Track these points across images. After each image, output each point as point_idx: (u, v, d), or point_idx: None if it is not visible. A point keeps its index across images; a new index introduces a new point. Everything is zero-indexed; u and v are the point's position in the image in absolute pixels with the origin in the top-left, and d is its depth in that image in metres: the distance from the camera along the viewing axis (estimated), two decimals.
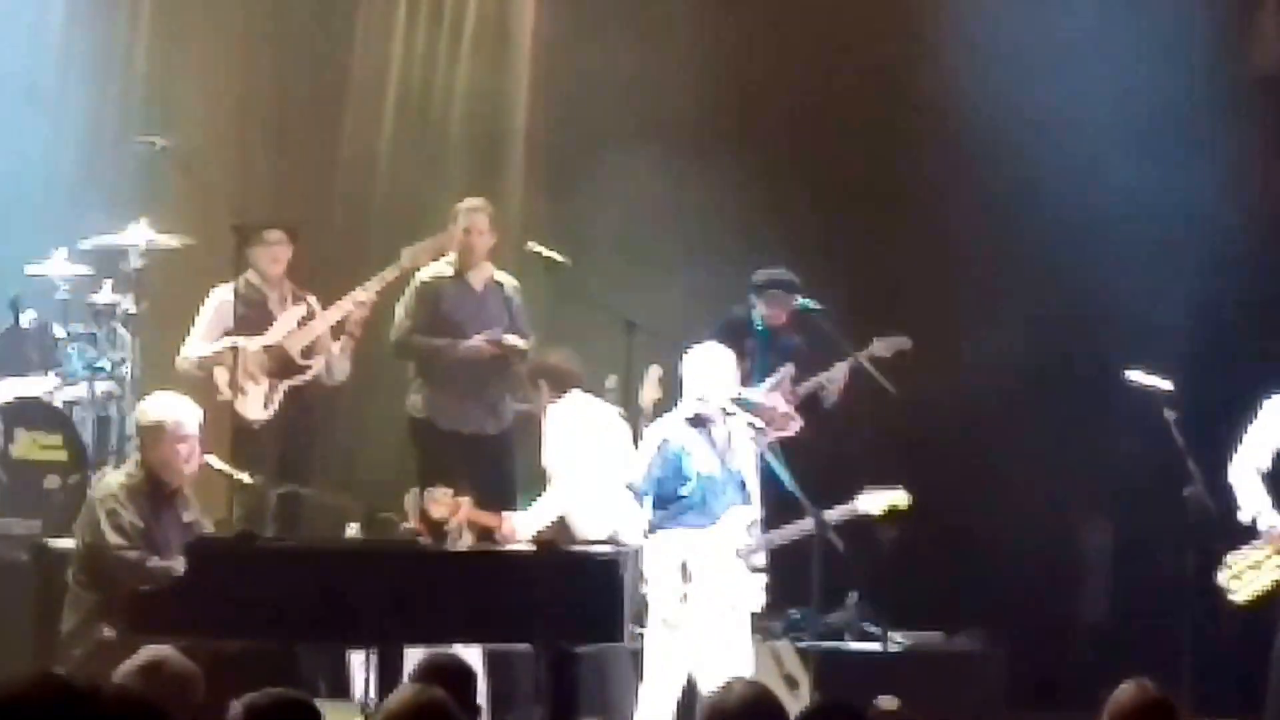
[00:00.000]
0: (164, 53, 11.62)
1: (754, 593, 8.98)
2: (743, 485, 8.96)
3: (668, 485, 8.86)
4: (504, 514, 9.20)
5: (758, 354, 10.65)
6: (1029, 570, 11.47)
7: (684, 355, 9.10)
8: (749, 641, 8.92)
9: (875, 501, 9.08)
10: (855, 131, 11.69)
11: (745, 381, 10.22)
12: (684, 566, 8.79)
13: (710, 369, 8.96)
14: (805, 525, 8.87)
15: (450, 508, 9.17)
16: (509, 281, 10.39)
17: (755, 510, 9.02)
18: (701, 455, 8.90)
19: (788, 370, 10.58)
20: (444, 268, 10.31)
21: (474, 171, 11.94)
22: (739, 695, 5.09)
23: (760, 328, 10.70)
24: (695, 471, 8.87)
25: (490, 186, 11.56)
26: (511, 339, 10.14)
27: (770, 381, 10.55)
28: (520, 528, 9.20)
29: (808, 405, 10.55)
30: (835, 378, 10.58)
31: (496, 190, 11.48)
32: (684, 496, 8.86)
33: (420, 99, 12.13)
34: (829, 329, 10.52)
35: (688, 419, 8.94)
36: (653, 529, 8.86)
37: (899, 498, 9.14)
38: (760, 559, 9.03)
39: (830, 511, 8.94)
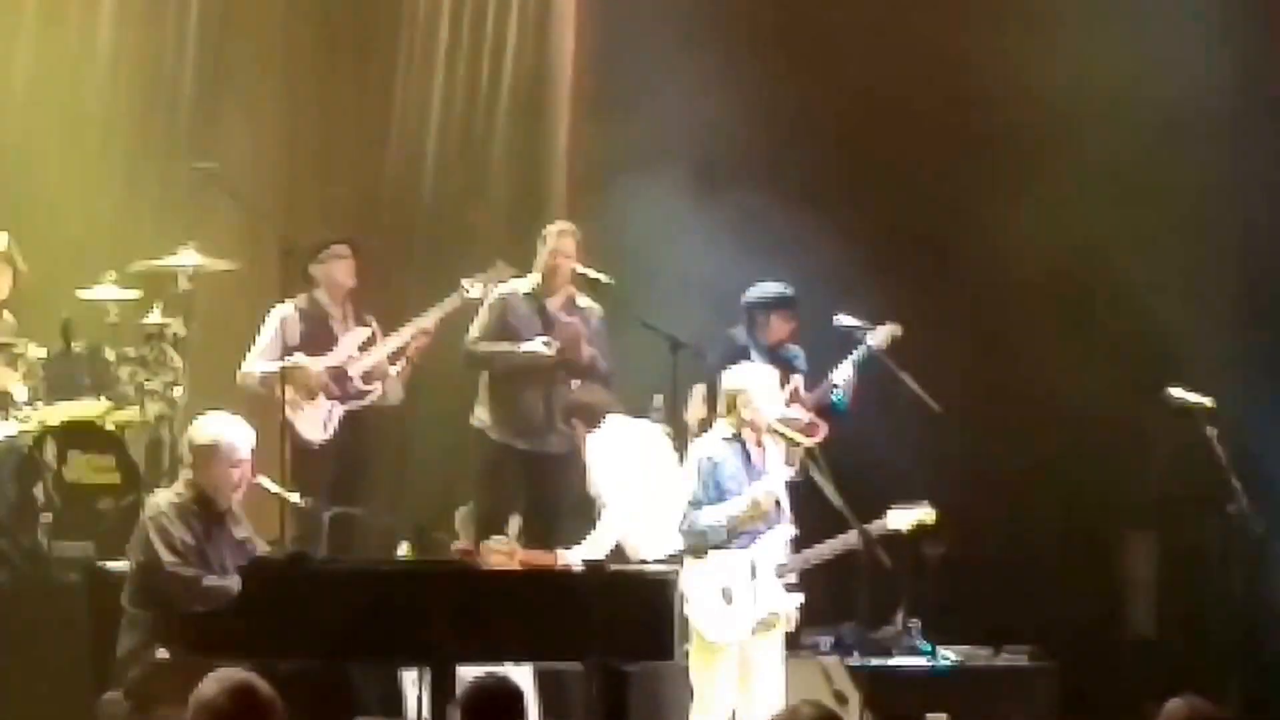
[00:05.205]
0: (210, 80, 11.71)
1: (791, 611, 9.02)
2: (777, 503, 9.00)
3: (707, 504, 8.90)
4: (558, 551, 9.22)
5: None
6: (1074, 585, 11.46)
7: (722, 374, 9.15)
8: (782, 660, 8.95)
9: (904, 518, 9.13)
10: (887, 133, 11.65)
11: None
12: (725, 590, 8.82)
13: (757, 387, 9.00)
14: (844, 540, 8.94)
15: (507, 555, 9.22)
16: (591, 305, 10.46)
17: (791, 528, 9.06)
18: (740, 474, 8.94)
19: (797, 380, 10.60)
20: (523, 284, 10.39)
21: (517, 198, 12.00)
22: (807, 716, 5.11)
23: (760, 345, 10.64)
24: (734, 491, 8.91)
25: (534, 213, 11.62)
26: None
27: (783, 395, 10.56)
28: (578, 563, 9.16)
29: (824, 411, 10.58)
30: (843, 378, 10.56)
31: (540, 216, 11.52)
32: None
33: (463, 127, 12.19)
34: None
35: (725, 438, 8.98)
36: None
37: (926, 514, 9.20)
38: (793, 577, 9.07)
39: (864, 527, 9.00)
